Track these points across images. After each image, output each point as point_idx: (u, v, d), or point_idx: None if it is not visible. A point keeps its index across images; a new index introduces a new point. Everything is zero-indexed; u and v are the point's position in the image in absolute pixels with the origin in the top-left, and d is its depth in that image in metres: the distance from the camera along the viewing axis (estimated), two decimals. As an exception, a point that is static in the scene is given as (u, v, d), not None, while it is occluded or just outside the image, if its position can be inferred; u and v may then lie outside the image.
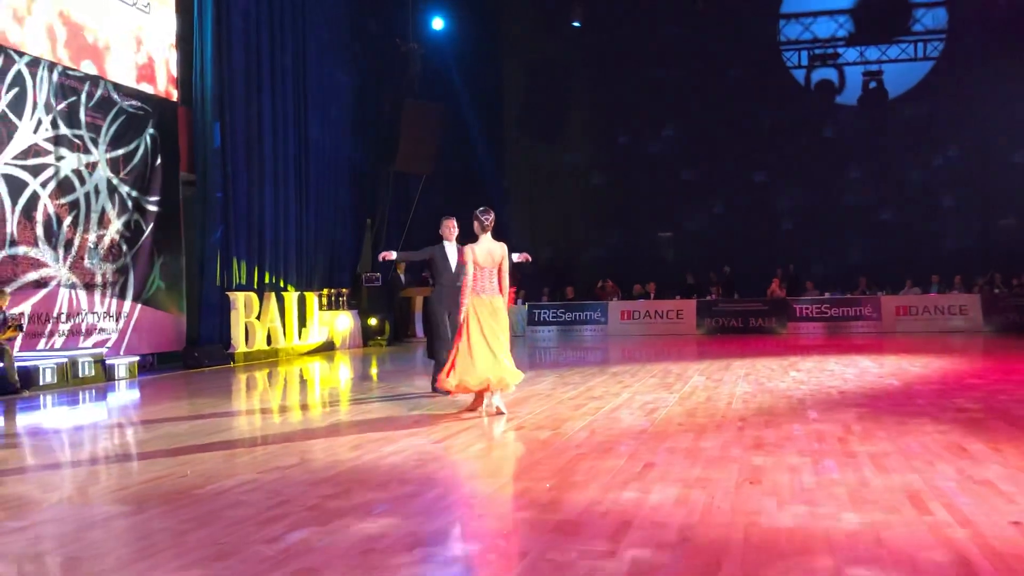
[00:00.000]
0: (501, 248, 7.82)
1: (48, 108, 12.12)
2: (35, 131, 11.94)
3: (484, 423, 7.24)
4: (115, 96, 13.29)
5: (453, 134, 22.16)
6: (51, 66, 12.18)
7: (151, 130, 13.95)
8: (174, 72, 14.71)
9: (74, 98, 12.56)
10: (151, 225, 13.89)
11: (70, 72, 12.49)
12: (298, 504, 4.60)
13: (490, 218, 7.82)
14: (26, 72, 11.82)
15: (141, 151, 13.77)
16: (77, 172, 12.54)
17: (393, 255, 9.16)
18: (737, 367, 11.66)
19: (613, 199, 24.61)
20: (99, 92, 13.01)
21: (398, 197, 20.94)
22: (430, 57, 21.55)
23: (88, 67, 12.80)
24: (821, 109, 23.57)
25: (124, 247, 13.34)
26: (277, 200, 16.74)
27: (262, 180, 16.26)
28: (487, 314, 7.61)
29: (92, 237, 12.73)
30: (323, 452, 6.12)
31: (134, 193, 13.53)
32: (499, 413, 7.52)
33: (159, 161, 14.07)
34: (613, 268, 23.61)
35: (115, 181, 13.18)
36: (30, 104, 11.86)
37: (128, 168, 13.49)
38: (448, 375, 7.56)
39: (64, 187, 12.32)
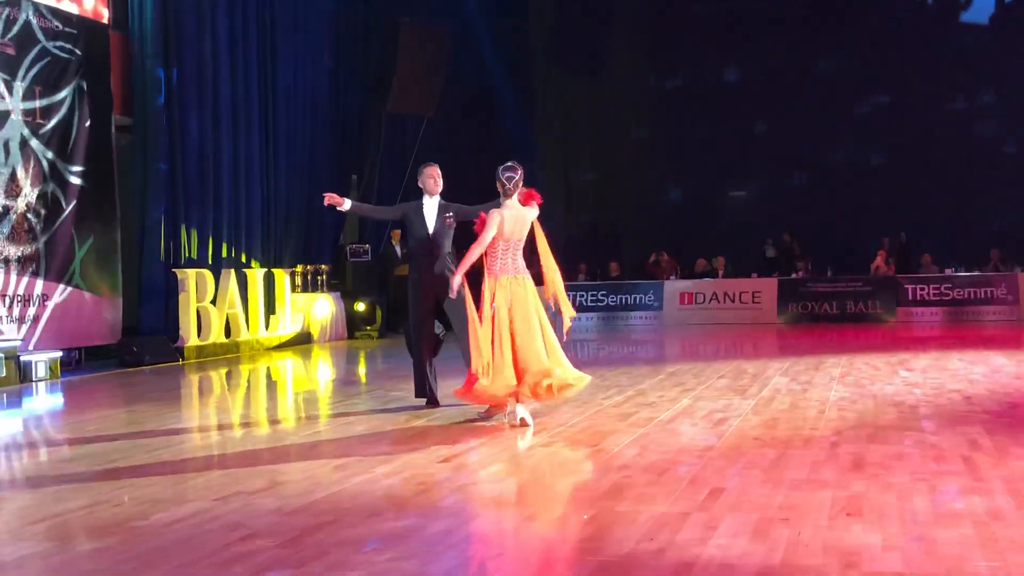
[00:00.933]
0: (532, 214, 7.84)
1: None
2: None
3: (504, 435, 7.25)
4: (38, 31, 13.37)
5: (463, 66, 22.10)
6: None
7: (79, 80, 14.00)
8: (105, -14, 14.74)
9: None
10: (77, 187, 13.94)
11: None
12: (267, 539, 4.63)
13: (516, 177, 7.78)
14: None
15: (66, 106, 13.82)
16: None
17: (346, 204, 8.73)
18: (830, 366, 11.62)
19: (670, 149, 24.49)
20: (20, 19, 13.09)
21: (392, 147, 20.93)
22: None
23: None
24: (942, 30, 23.31)
25: (42, 212, 13.41)
26: (237, 151, 16.78)
27: (217, 125, 16.29)
28: (520, 299, 7.64)
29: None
30: (298, 474, 6.15)
31: (50, 154, 13.54)
32: (523, 425, 7.54)
33: (88, 122, 14.11)
34: (670, 237, 23.52)
35: (26, 133, 13.19)
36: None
37: (49, 125, 13.54)
38: (473, 384, 7.55)
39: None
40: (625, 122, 24.93)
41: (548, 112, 25.49)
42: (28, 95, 13.21)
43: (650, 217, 24.52)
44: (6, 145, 12.87)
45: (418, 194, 8.81)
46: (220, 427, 8.63)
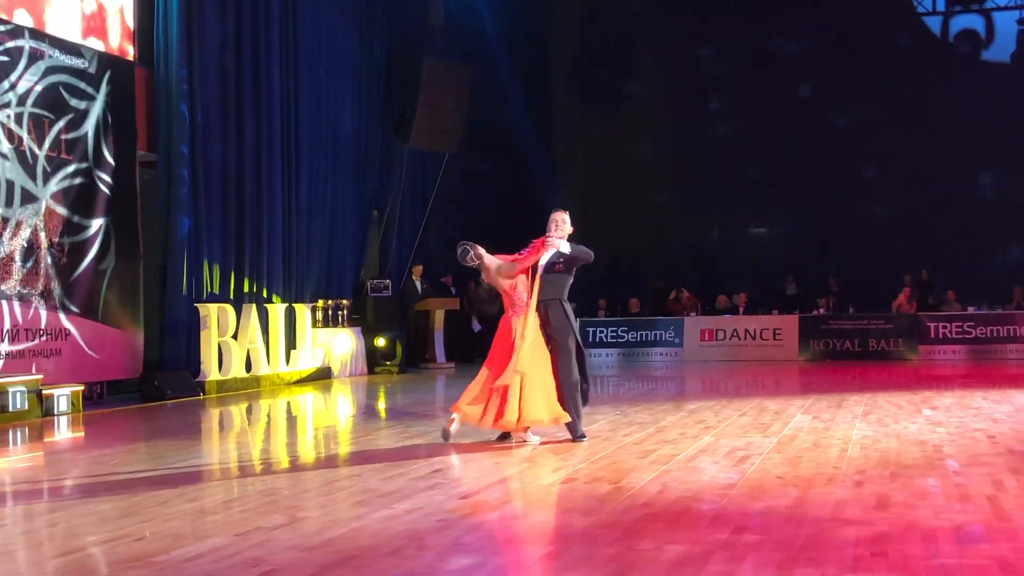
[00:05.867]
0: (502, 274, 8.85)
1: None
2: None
3: (523, 472, 7.24)
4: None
5: (485, 102, 22.22)
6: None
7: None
8: (130, 23, 14.92)
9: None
10: (101, 217, 14.07)
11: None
12: (287, 575, 4.63)
13: (471, 253, 8.81)
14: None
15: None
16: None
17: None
18: (853, 404, 11.56)
19: (690, 185, 24.55)
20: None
21: (413, 182, 21.02)
22: (455, 3, 21.64)
23: (23, 17, 13.05)
24: (962, 68, 23.32)
25: (66, 247, 13.51)
26: (259, 187, 16.86)
27: (240, 161, 16.38)
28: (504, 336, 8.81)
29: (23, 235, 12.91)
30: (318, 509, 6.15)
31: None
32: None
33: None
34: (690, 274, 23.53)
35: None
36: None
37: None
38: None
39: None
40: (645, 159, 24.98)
41: (568, 148, 25.54)
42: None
43: (671, 252, 24.53)
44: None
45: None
46: (240, 462, 8.64)
